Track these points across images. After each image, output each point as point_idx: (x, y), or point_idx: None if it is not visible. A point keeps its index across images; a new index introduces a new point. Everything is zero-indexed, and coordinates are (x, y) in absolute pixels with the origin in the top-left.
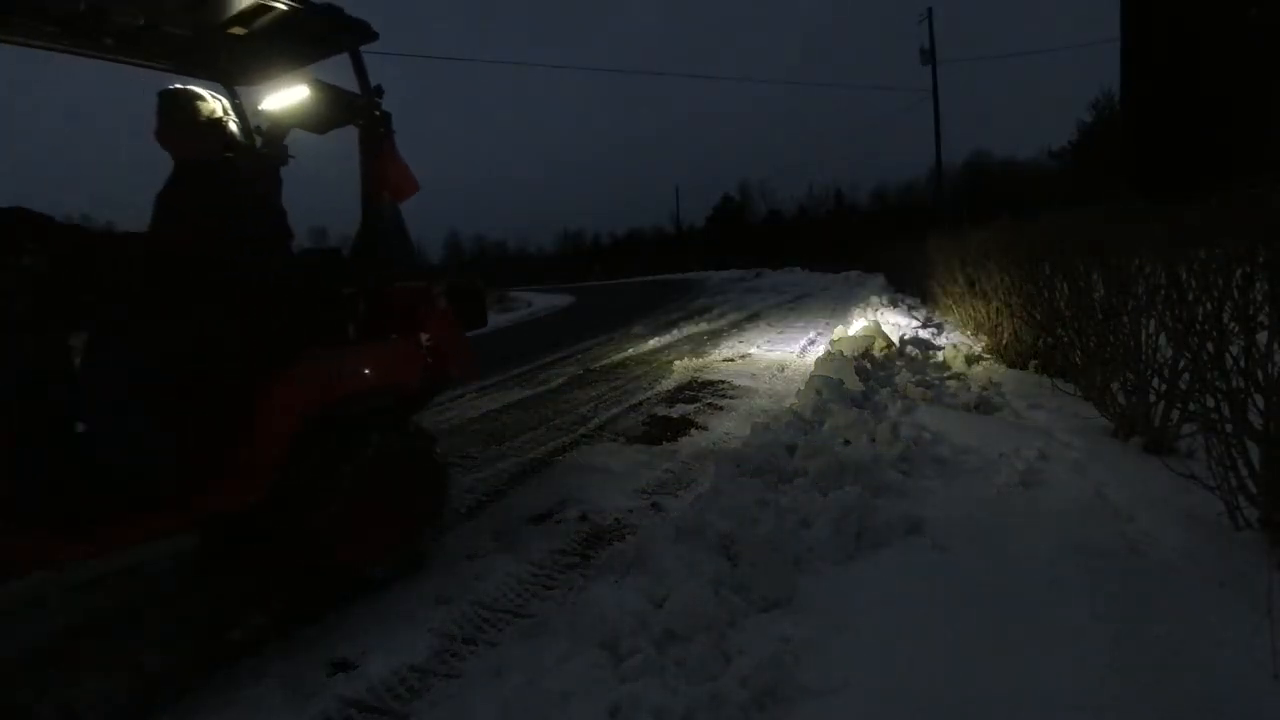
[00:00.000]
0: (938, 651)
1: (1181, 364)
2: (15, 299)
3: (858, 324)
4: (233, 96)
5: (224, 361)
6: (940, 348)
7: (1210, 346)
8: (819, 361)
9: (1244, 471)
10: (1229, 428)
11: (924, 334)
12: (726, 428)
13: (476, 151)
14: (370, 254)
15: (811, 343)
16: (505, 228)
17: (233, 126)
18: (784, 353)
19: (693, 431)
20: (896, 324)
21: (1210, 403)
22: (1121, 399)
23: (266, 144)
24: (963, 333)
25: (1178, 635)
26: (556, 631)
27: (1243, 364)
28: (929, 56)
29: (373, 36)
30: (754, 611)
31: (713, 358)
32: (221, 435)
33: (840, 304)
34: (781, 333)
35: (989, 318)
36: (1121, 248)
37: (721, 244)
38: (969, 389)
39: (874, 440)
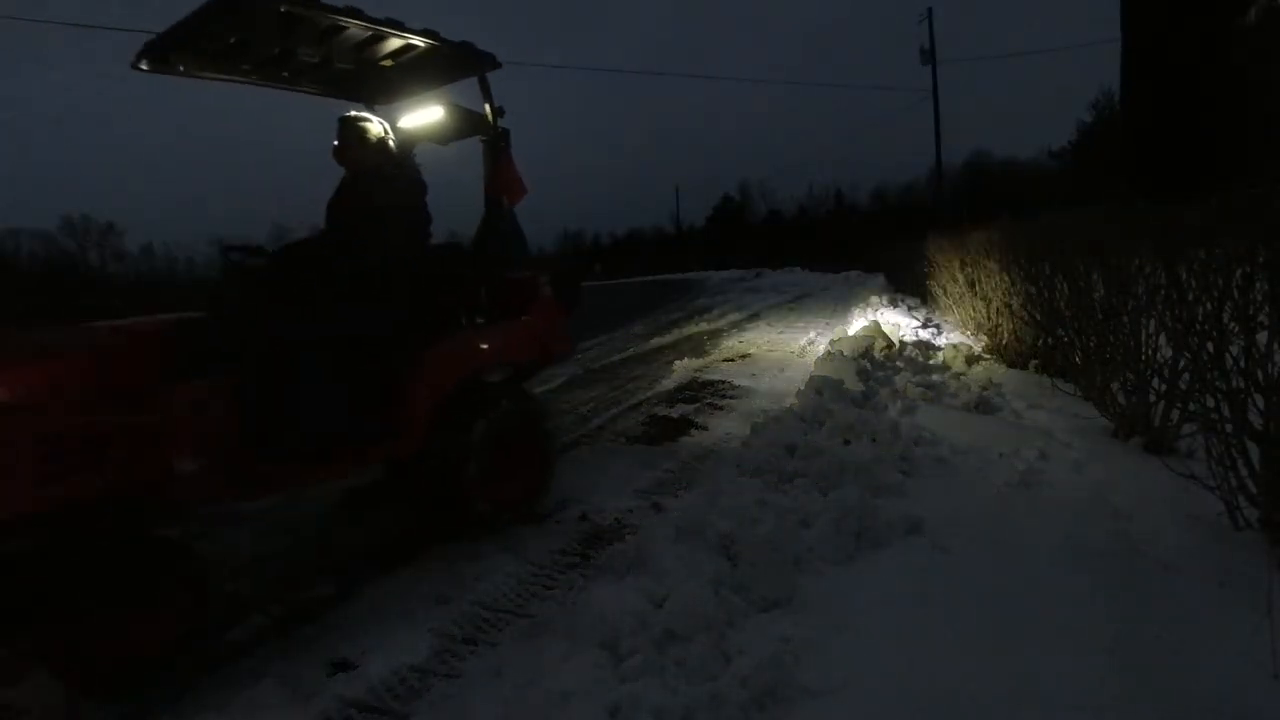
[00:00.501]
0: (938, 651)
1: (1181, 364)
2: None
3: (858, 324)
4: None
5: (390, 340)
6: (940, 348)
7: (1210, 346)
8: (819, 361)
9: (1244, 471)
10: (1229, 428)
11: (924, 334)
12: (727, 428)
13: (475, 151)
14: (491, 248)
15: (811, 342)
16: None
17: (391, 143)
18: (784, 352)
19: (693, 431)
20: (896, 324)
21: (1210, 403)
22: (1121, 399)
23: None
24: (963, 333)
25: (1178, 635)
26: (556, 631)
27: (1243, 364)
28: (929, 56)
29: (498, 65)
30: (754, 611)
31: (713, 357)
32: (387, 401)
33: (840, 304)
34: (781, 333)
35: (989, 318)
36: (1121, 248)
37: (721, 244)
38: (969, 389)
39: (874, 440)
